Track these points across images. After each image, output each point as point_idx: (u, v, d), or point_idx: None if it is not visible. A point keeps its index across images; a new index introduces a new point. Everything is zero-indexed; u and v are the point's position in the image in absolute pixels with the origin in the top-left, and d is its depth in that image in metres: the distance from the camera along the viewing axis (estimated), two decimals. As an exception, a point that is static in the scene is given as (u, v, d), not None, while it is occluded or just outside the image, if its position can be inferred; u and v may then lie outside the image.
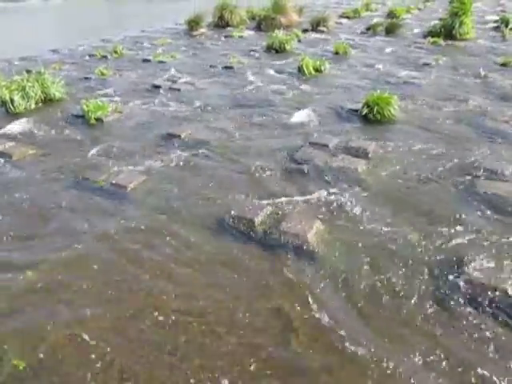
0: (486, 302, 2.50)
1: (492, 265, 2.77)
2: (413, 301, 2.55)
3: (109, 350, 2.27)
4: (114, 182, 3.95)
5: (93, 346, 2.30)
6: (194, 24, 12.92)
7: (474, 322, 2.40)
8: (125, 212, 3.55)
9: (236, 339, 2.33)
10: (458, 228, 3.20)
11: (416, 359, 2.18)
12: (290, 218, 3.31)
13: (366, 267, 2.84)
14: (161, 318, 2.47)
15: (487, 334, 2.32)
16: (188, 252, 3.04)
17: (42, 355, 2.25)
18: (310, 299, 2.57)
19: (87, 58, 9.85)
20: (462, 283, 2.63)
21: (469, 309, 2.48)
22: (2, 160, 4.56)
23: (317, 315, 2.46)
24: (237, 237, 3.18)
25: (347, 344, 2.27)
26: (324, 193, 3.72)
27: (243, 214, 3.35)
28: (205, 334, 2.36)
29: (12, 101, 5.94)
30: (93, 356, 2.23)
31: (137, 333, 2.38)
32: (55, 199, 3.77)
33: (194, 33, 12.73)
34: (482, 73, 7.45)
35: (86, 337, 2.34)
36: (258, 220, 3.28)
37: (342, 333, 2.34)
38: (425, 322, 2.41)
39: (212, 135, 5.01)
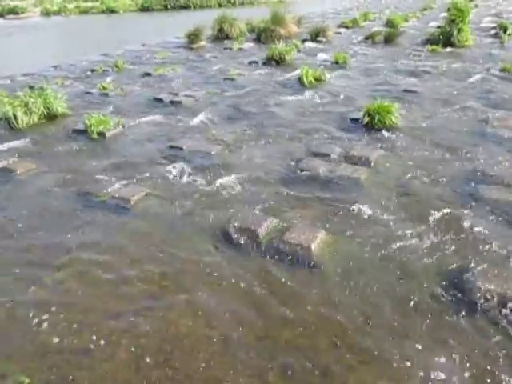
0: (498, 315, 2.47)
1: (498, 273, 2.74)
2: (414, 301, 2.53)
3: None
4: (116, 195, 3.95)
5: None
6: (193, 37, 13.05)
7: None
8: (127, 225, 3.54)
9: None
10: (463, 235, 3.18)
11: None
12: (293, 228, 3.29)
13: (369, 275, 2.81)
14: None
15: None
16: (189, 264, 3.02)
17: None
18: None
19: (89, 73, 9.95)
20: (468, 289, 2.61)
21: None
22: (5, 175, 4.58)
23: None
24: (240, 248, 3.16)
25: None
26: (327, 201, 3.71)
27: (247, 225, 3.34)
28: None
29: (15, 116, 5.99)
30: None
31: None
32: (57, 212, 3.78)
33: (194, 46, 12.86)
34: (483, 79, 7.48)
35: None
36: (261, 231, 3.26)
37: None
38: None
39: (214, 147, 5.01)
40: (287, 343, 2.35)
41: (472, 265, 2.83)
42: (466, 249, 3.02)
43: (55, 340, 2.41)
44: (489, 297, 2.53)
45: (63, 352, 2.34)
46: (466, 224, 3.30)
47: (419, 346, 2.28)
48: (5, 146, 5.35)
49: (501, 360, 2.18)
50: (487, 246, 3.03)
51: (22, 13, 30.55)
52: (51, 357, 2.32)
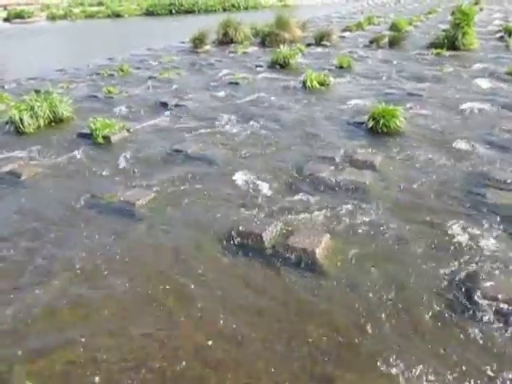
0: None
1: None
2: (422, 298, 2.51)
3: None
4: (122, 199, 3.96)
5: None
6: (198, 41, 13.13)
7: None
8: (132, 228, 3.55)
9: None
10: (468, 239, 3.16)
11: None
12: (298, 232, 3.28)
13: (372, 280, 2.80)
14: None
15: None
16: (194, 267, 3.02)
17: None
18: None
19: (94, 76, 10.01)
20: (478, 295, 2.59)
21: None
22: (11, 179, 4.60)
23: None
24: (245, 252, 3.16)
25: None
26: (332, 205, 3.70)
27: (251, 229, 3.33)
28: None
29: (21, 120, 6.02)
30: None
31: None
32: (62, 216, 3.79)
33: (199, 50, 12.93)
34: (488, 82, 7.46)
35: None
36: (266, 235, 3.25)
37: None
38: None
39: (219, 150, 5.02)
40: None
41: (477, 270, 2.82)
42: (472, 253, 3.01)
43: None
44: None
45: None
46: (473, 229, 3.28)
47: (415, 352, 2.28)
48: (11, 150, 5.38)
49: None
50: (493, 251, 3.02)
51: (29, 17, 30.83)
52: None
